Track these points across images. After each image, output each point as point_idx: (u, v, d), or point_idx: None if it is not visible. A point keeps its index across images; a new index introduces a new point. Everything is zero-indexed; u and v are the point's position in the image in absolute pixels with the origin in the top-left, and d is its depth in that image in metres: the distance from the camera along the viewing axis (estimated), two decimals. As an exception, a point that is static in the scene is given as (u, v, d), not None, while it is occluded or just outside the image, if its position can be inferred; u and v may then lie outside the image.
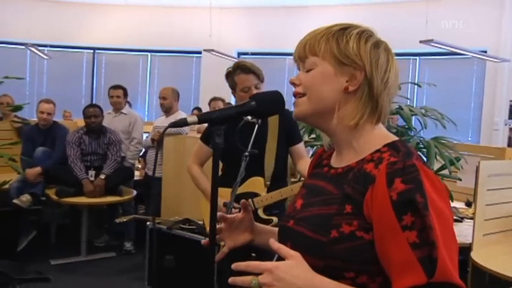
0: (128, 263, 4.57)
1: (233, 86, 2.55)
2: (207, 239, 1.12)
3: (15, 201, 4.39)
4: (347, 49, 1.01)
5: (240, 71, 2.51)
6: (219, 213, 1.23)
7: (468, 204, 3.92)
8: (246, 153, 2.10)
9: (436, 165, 3.08)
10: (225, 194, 2.31)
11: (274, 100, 1.11)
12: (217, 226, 1.24)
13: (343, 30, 1.04)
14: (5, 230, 4.34)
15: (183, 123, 1.02)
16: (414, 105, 5.14)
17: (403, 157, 0.95)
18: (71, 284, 4.07)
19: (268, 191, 2.48)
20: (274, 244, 0.96)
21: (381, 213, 0.91)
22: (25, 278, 3.98)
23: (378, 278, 0.94)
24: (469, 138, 7.78)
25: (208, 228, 1.22)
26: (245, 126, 2.32)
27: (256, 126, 2.26)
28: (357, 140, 1.04)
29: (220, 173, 2.70)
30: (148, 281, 3.54)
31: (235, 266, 0.93)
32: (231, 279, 0.93)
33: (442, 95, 7.45)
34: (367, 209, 0.94)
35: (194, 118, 1.02)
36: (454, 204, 3.58)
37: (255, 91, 2.45)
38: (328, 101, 1.03)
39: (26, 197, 4.44)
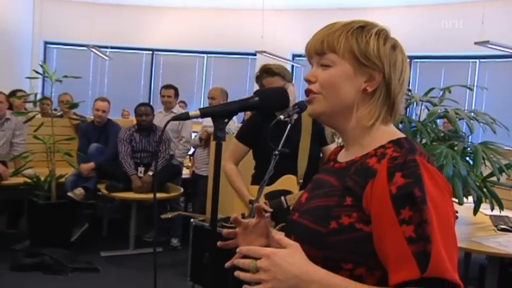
0: (173, 258, 4.67)
1: None
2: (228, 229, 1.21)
3: (69, 193, 4.60)
4: (367, 50, 1.01)
5: (265, 74, 2.57)
6: (232, 216, 1.25)
7: (523, 214, 3.71)
8: (276, 152, 2.10)
9: (487, 171, 2.95)
10: (256, 192, 2.33)
11: (277, 96, 1.12)
12: (232, 230, 1.26)
13: (361, 29, 1.03)
14: (60, 221, 4.58)
15: (185, 117, 1.05)
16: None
17: (405, 152, 0.95)
18: (117, 276, 4.22)
19: (300, 189, 2.49)
20: (276, 235, 0.99)
21: (380, 207, 0.91)
22: (77, 267, 4.20)
23: (375, 271, 0.94)
24: (532, 146, 7.35)
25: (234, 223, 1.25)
26: (279, 125, 2.33)
27: (289, 125, 2.26)
28: (366, 138, 1.04)
29: (253, 171, 2.74)
30: (191, 276, 3.61)
31: (238, 250, 0.98)
32: (235, 261, 0.97)
33: (503, 99, 7.09)
34: (366, 202, 0.94)
35: (197, 112, 1.04)
36: (506, 213, 3.40)
37: None
38: (346, 101, 1.03)
39: (79, 191, 4.64)
